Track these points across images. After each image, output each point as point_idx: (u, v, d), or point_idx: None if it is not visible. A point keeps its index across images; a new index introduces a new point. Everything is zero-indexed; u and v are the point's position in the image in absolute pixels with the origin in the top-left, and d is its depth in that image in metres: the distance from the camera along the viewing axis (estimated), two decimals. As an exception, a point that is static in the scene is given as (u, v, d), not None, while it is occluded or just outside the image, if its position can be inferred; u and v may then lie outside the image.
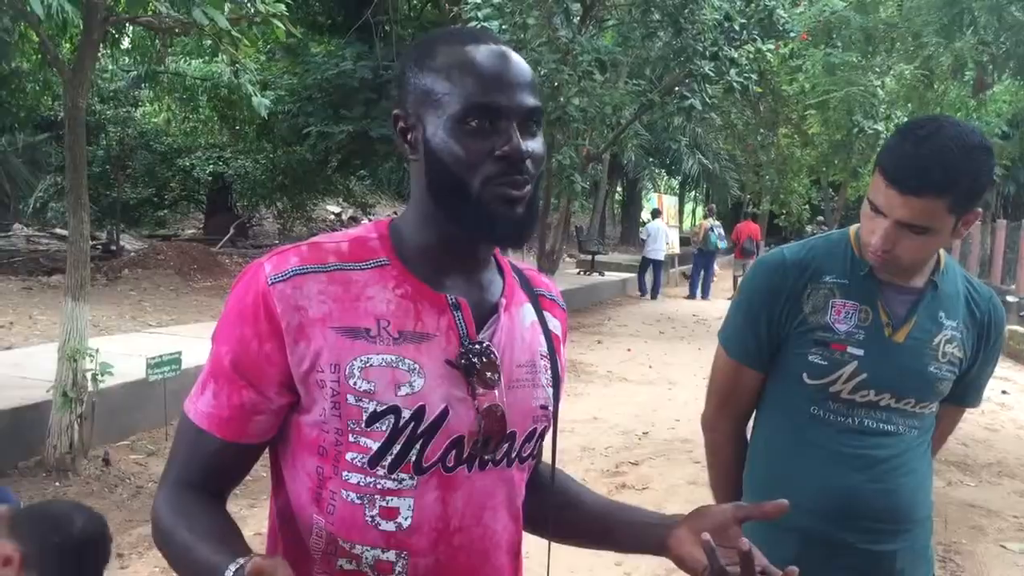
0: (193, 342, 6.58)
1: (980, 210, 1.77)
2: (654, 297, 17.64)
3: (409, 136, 1.17)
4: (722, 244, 18.62)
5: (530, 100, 1.13)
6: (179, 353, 5.59)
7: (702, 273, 18.57)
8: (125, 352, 6.22)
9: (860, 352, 1.80)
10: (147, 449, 5.59)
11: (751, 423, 2.04)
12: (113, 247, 14.24)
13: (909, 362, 1.81)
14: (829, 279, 1.84)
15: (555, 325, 1.34)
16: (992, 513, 5.55)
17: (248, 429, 1.16)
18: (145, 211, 18.40)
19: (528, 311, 1.28)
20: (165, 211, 19.46)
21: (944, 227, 1.69)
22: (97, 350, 5.11)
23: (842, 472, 1.83)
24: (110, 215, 15.31)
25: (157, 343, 6.94)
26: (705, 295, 18.40)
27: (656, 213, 18.90)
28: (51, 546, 1.64)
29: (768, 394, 1.95)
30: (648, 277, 17.93)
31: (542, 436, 1.27)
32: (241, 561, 0.99)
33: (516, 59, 1.15)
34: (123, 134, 16.22)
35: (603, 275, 18.26)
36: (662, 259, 17.76)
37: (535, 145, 1.14)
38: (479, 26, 9.34)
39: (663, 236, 17.61)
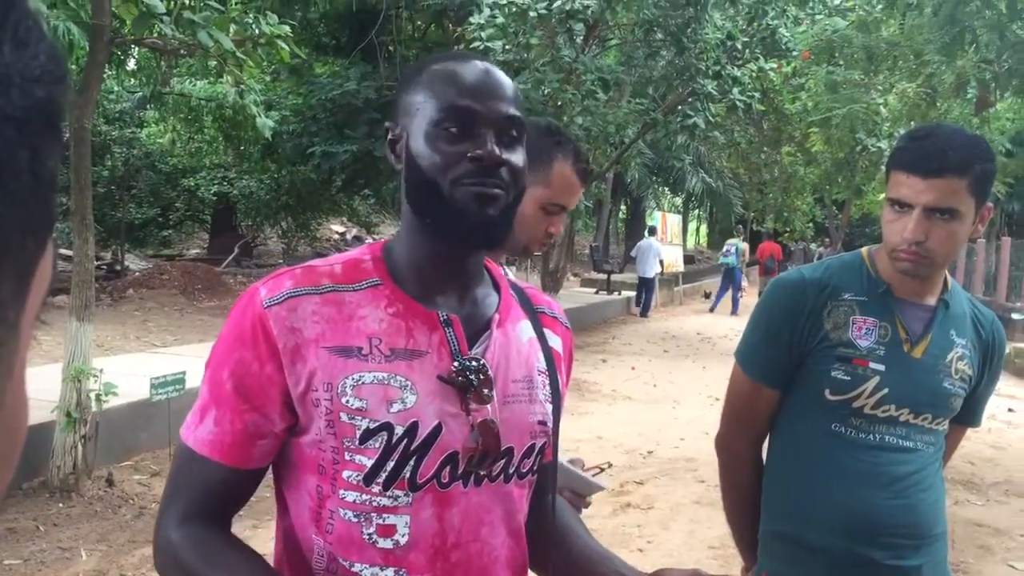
0: (197, 362, 6.54)
1: (991, 205, 1.84)
2: (643, 315, 17.38)
3: (396, 148, 1.19)
4: (726, 260, 19.32)
5: (508, 109, 1.15)
6: (183, 373, 5.59)
7: (728, 290, 19.29)
8: (129, 372, 6.22)
9: (881, 367, 1.82)
10: (151, 469, 5.58)
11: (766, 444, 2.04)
12: (118, 267, 14.29)
13: (926, 377, 1.84)
14: (848, 296, 1.87)
15: (556, 342, 1.34)
16: (1000, 532, 5.52)
17: (251, 453, 1.16)
18: (150, 231, 18.44)
19: (526, 327, 1.29)
20: (170, 231, 19.50)
21: (968, 212, 1.75)
22: (101, 370, 5.11)
23: (864, 489, 1.83)
24: (115, 235, 15.37)
25: (161, 363, 6.94)
26: (734, 310, 18.73)
27: (652, 231, 19.08)
28: None
29: (785, 413, 1.95)
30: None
31: (542, 452, 1.26)
32: None
33: (498, 73, 1.18)
34: (128, 154, 16.29)
35: (620, 294, 18.13)
36: (651, 276, 17.51)
37: (513, 156, 1.15)
38: (482, 46, 9.40)
39: (653, 254, 17.44)
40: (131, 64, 16.49)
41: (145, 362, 7.28)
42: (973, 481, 6.61)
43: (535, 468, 1.26)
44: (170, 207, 18.24)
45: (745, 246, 20.62)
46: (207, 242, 19.70)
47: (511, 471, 1.21)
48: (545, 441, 1.26)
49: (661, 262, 17.67)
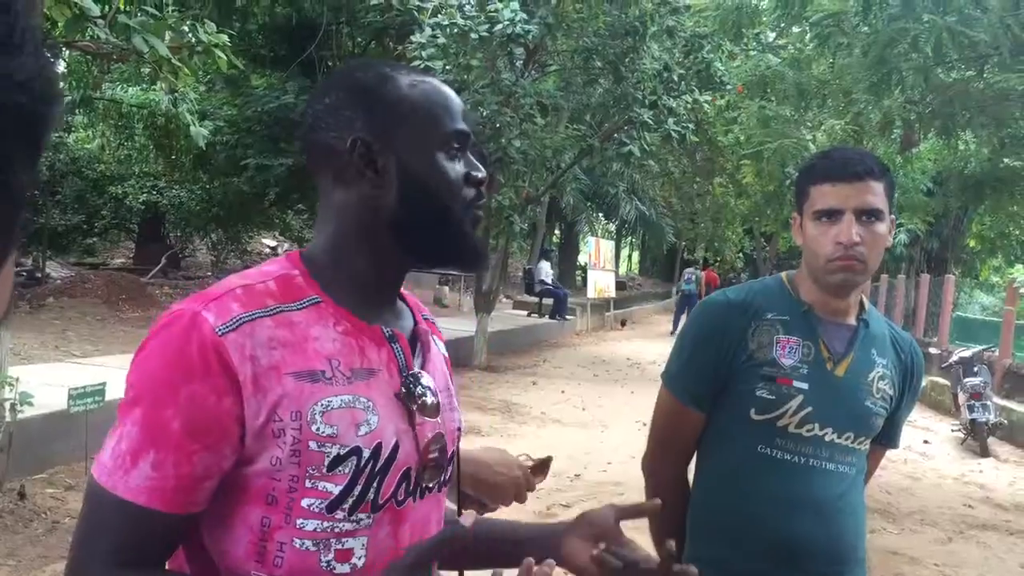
0: (118, 373, 6.36)
1: (895, 217, 1.95)
2: (552, 318, 18.34)
3: (377, 162, 1.12)
4: (688, 287, 21.92)
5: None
6: (103, 384, 5.43)
7: (685, 313, 21.11)
8: (47, 382, 6.03)
9: (805, 386, 1.83)
10: (65, 483, 5.40)
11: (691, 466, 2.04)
12: (38, 274, 13.85)
13: (848, 396, 1.86)
14: (771, 316, 1.89)
15: (442, 347, 1.36)
16: (914, 560, 5.65)
17: (196, 498, 1.05)
18: (74, 238, 17.93)
19: (436, 337, 1.32)
20: (95, 239, 18.98)
21: (887, 216, 1.84)
22: (17, 379, 4.95)
23: (790, 514, 1.84)
24: (36, 241, 14.89)
25: (81, 374, 6.74)
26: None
27: (545, 254, 21.64)
28: None
29: (712, 435, 1.95)
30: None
31: (455, 456, 1.29)
32: None
33: None
34: (54, 159, 15.89)
35: (566, 318, 18.49)
36: (547, 285, 18.86)
37: None
38: (423, 66, 9.41)
39: (541, 272, 19.13)
40: (61, 67, 16.10)
41: (64, 372, 7.06)
42: (889, 510, 6.77)
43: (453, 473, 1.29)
44: (96, 215, 17.78)
45: (703, 274, 22.97)
46: (133, 252, 19.24)
47: (444, 479, 1.22)
48: (457, 446, 1.29)
49: (554, 282, 19.36)
